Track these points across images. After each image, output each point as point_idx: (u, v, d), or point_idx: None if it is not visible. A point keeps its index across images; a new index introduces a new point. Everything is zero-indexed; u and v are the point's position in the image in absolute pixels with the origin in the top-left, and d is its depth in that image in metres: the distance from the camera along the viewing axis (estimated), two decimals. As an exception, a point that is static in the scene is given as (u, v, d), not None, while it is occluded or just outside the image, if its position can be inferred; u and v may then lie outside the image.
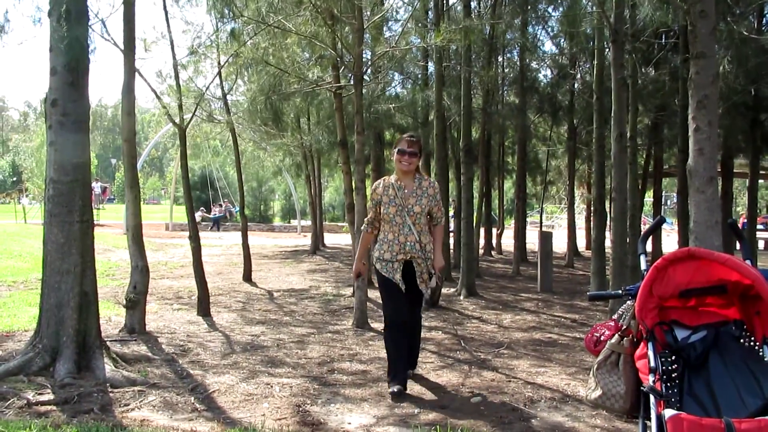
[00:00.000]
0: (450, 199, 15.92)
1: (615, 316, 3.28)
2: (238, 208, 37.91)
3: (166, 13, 9.31)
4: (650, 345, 2.88)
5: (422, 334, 8.52)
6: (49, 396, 5.16)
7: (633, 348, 3.08)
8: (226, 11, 9.40)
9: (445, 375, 6.35)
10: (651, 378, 2.81)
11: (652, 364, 2.83)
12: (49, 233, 5.91)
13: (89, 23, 6.26)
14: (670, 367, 2.82)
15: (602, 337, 3.27)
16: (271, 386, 5.77)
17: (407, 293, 5.74)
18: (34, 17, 6.93)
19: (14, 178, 51.79)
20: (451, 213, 15.97)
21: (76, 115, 5.92)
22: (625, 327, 3.17)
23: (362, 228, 6.08)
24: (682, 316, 2.96)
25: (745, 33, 10.78)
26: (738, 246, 3.29)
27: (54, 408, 4.94)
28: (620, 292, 3.26)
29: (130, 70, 7.87)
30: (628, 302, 3.20)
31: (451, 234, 15.71)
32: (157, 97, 10.17)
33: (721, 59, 10.46)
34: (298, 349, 7.36)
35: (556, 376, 6.37)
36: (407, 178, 5.83)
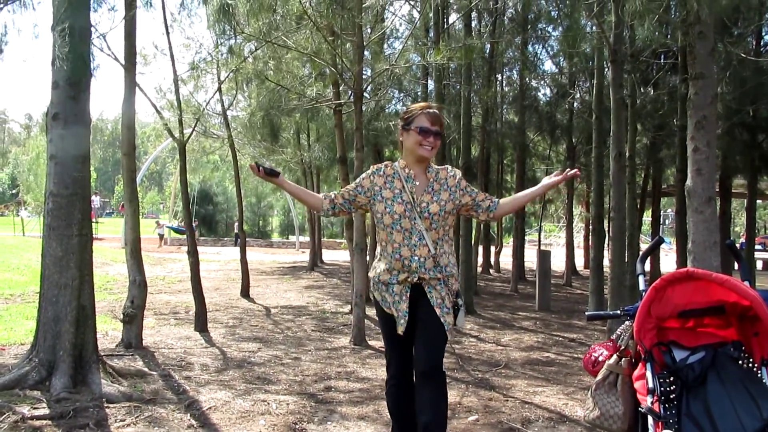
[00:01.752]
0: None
1: (613, 337, 3.28)
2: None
3: (167, 28, 9.35)
4: (648, 366, 2.88)
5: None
6: (44, 410, 5.13)
7: (631, 368, 3.07)
8: (227, 28, 9.42)
9: (443, 393, 6.32)
10: (649, 399, 2.80)
11: (651, 385, 2.82)
12: (48, 246, 5.90)
13: (91, 38, 6.28)
14: (668, 388, 2.81)
15: (600, 358, 3.26)
16: (267, 403, 5.75)
17: (418, 329, 4.02)
18: (34, 33, 6.96)
19: (13, 191, 51.80)
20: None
21: (76, 129, 5.92)
22: (623, 347, 3.16)
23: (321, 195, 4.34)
24: (681, 336, 2.95)
25: (743, 54, 10.83)
26: (736, 266, 3.30)
27: (49, 423, 4.91)
28: (618, 312, 3.26)
29: (131, 85, 7.89)
30: (627, 322, 3.20)
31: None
32: (158, 111, 10.20)
33: (720, 80, 10.50)
34: (294, 366, 7.34)
35: (554, 396, 6.34)
36: (419, 167, 4.19)
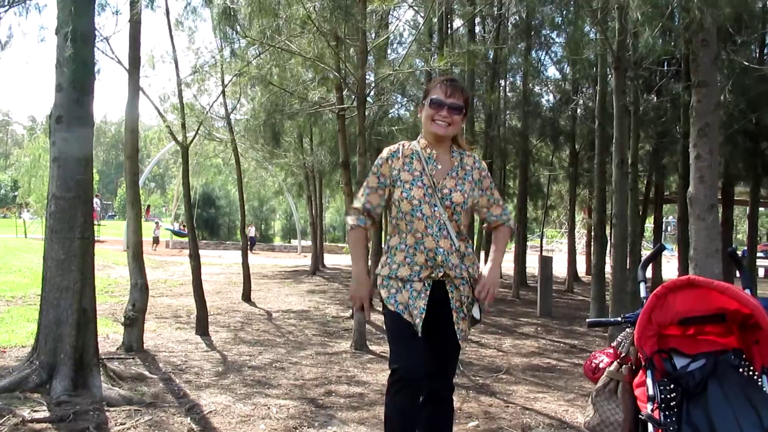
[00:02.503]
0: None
1: (614, 344, 3.28)
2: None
3: (171, 32, 9.38)
4: (649, 373, 2.88)
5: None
6: (44, 413, 5.13)
7: (632, 376, 3.07)
8: (230, 31, 9.45)
9: (443, 399, 6.31)
10: (649, 406, 2.80)
11: (651, 392, 2.82)
12: (50, 249, 5.90)
13: (95, 41, 6.30)
14: (668, 396, 2.81)
15: (601, 364, 3.26)
16: (268, 407, 5.74)
17: (432, 338, 3.56)
18: (39, 36, 6.98)
19: (15, 193, 51.90)
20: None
21: (80, 132, 5.93)
22: (624, 354, 3.16)
23: (350, 221, 3.71)
24: (681, 344, 2.95)
25: (745, 63, 10.83)
26: (738, 274, 3.30)
27: (49, 426, 4.91)
28: (619, 319, 3.25)
29: (134, 89, 7.91)
30: (627, 330, 3.20)
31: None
32: (161, 115, 10.22)
33: (722, 88, 10.51)
34: (295, 371, 7.33)
35: (555, 402, 6.33)
36: (441, 148, 3.65)
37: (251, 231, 40.42)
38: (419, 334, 3.45)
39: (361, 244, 3.68)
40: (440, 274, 3.50)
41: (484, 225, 3.88)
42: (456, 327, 3.54)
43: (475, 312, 3.62)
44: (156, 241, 35.09)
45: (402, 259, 3.53)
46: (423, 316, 3.46)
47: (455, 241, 3.51)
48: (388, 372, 3.52)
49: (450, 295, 3.54)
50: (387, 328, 3.67)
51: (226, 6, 8.70)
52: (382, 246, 3.86)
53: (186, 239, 38.67)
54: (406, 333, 3.47)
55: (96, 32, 6.41)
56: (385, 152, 3.70)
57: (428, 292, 3.50)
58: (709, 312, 2.88)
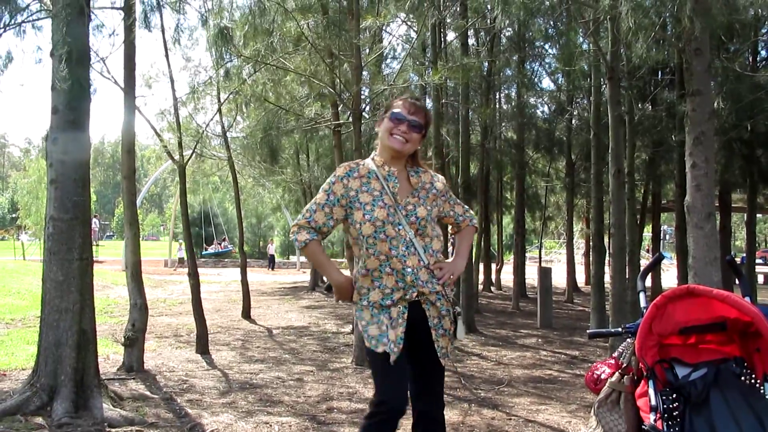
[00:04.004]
0: (449, 241, 15.91)
1: (615, 354, 3.28)
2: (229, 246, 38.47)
3: (167, 52, 9.40)
4: (651, 383, 2.87)
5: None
6: (46, 436, 5.11)
7: (633, 386, 3.07)
8: (225, 51, 9.48)
9: (445, 413, 6.28)
10: (652, 416, 2.79)
11: (653, 402, 2.82)
12: (49, 271, 5.90)
13: (90, 63, 6.32)
14: (671, 405, 2.81)
15: (603, 375, 3.26)
16: (270, 425, 5.73)
17: (415, 360, 3.48)
18: (35, 57, 7.01)
19: (13, 215, 51.89)
20: (449, 249, 15.94)
21: (76, 154, 5.95)
22: (625, 365, 3.16)
23: (300, 238, 3.48)
24: (683, 353, 2.95)
25: (739, 70, 10.88)
26: (737, 282, 3.30)
27: (51, 448, 4.90)
28: (620, 329, 3.25)
29: (131, 109, 7.93)
30: (628, 340, 3.19)
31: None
32: (157, 134, 10.24)
33: (716, 95, 10.55)
34: (296, 387, 7.32)
35: (557, 414, 6.32)
36: (397, 165, 3.58)
37: (270, 249, 40.36)
38: (397, 362, 3.31)
39: (322, 253, 3.56)
40: (414, 294, 3.38)
41: (452, 228, 3.83)
42: (436, 345, 3.44)
43: (459, 332, 3.53)
44: (181, 261, 35.05)
45: (370, 283, 3.41)
46: (401, 346, 3.33)
47: (423, 257, 3.40)
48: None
49: (427, 313, 3.43)
50: (368, 359, 3.59)
51: (222, 27, 8.73)
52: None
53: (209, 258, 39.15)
54: (385, 366, 3.33)
55: (92, 53, 6.44)
56: (340, 169, 3.56)
57: (405, 316, 3.38)
58: (710, 321, 2.88)
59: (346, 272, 3.63)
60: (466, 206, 3.85)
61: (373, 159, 3.60)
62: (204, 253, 38.89)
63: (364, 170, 3.53)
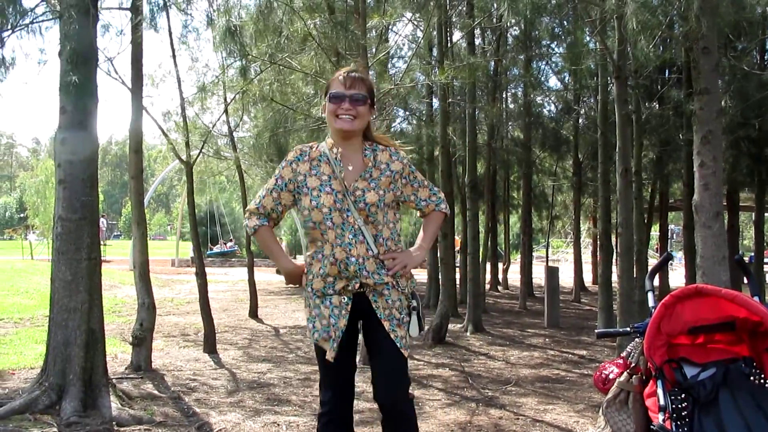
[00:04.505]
0: (455, 235, 15.92)
1: (624, 354, 3.27)
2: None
3: (174, 52, 9.41)
4: (659, 383, 2.87)
5: (428, 372, 8.49)
6: (54, 435, 5.13)
7: (642, 386, 3.06)
8: (233, 49, 9.49)
9: (453, 413, 6.31)
10: (661, 416, 2.79)
11: (662, 402, 2.82)
12: (57, 271, 5.92)
13: (97, 63, 6.34)
14: (679, 406, 2.81)
15: (611, 375, 3.25)
16: (278, 425, 5.74)
17: (372, 351, 3.43)
18: (42, 58, 7.03)
19: (21, 215, 52.05)
20: (456, 248, 15.95)
21: (84, 153, 5.97)
22: (633, 365, 3.16)
23: (250, 223, 3.43)
24: (691, 353, 2.95)
25: (746, 68, 10.85)
26: (746, 281, 3.30)
27: (60, 447, 4.92)
28: (628, 329, 3.25)
29: (138, 109, 7.95)
30: (637, 339, 3.19)
31: (457, 269, 15.65)
32: (164, 134, 10.25)
33: (724, 94, 10.52)
34: (304, 387, 7.32)
35: (564, 414, 6.32)
36: (350, 146, 3.38)
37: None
38: (338, 361, 3.27)
39: (271, 239, 3.48)
40: (357, 285, 3.24)
41: (419, 213, 3.59)
42: (393, 336, 3.24)
43: (413, 329, 3.34)
44: (193, 261, 35.10)
45: (317, 270, 3.27)
46: (340, 339, 3.24)
47: (372, 246, 3.23)
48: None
49: (374, 305, 3.26)
50: (315, 350, 3.43)
51: (229, 26, 8.74)
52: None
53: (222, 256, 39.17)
54: (327, 362, 3.29)
55: (99, 53, 6.46)
56: (291, 153, 3.44)
57: (349, 307, 3.25)
58: (719, 320, 2.88)
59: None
60: (435, 188, 3.54)
61: (326, 141, 3.44)
62: (209, 252, 38.98)
63: (315, 153, 3.39)
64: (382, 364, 3.32)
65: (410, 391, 3.38)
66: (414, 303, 3.37)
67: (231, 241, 42.88)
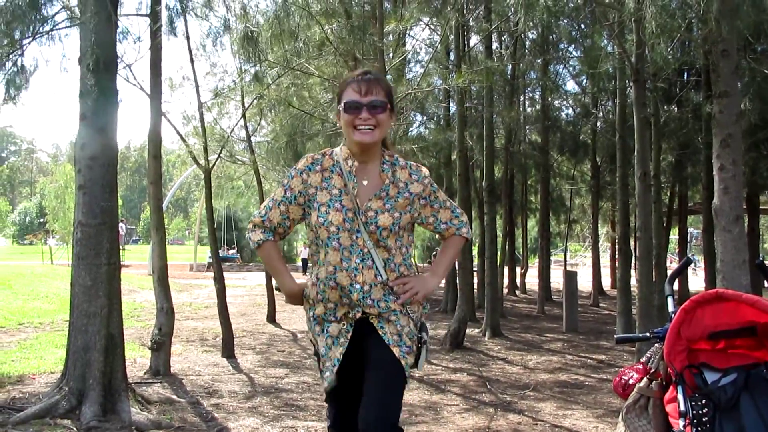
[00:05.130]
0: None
1: (643, 359, 3.25)
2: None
3: (192, 58, 9.47)
4: (680, 388, 2.84)
5: (446, 377, 8.48)
6: (75, 439, 5.16)
7: (662, 391, 3.04)
8: (251, 55, 9.53)
9: (471, 418, 6.29)
10: (681, 422, 2.77)
11: (682, 408, 2.79)
12: (77, 276, 5.96)
13: (117, 70, 6.39)
14: (700, 411, 2.78)
15: (630, 381, 3.23)
16: (296, 430, 5.74)
17: (367, 376, 2.93)
18: (62, 65, 7.10)
19: (41, 220, 52.52)
20: (474, 252, 15.91)
21: (104, 159, 6.01)
22: (653, 370, 3.13)
23: (254, 237, 3.07)
24: (712, 358, 2.92)
25: (766, 71, 10.76)
26: (766, 285, 3.27)
27: (80, 451, 4.94)
28: (648, 334, 3.23)
29: (157, 114, 7.99)
30: (656, 345, 3.17)
31: (475, 273, 15.61)
32: (183, 139, 10.30)
33: (743, 97, 10.43)
34: (322, 392, 7.31)
35: (584, 419, 6.28)
36: (368, 158, 3.00)
37: (303, 253, 40.38)
38: (336, 388, 2.94)
39: (275, 256, 3.13)
40: (358, 314, 2.91)
41: (438, 235, 3.24)
42: (404, 363, 2.90)
43: (421, 363, 2.99)
44: (210, 266, 35.22)
45: (315, 294, 2.97)
46: (335, 368, 2.90)
47: (381, 272, 2.89)
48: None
49: (380, 332, 2.91)
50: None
51: (247, 31, 8.79)
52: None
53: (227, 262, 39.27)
54: (327, 391, 3.01)
55: (118, 60, 6.50)
56: (302, 162, 3.05)
57: (349, 335, 2.93)
58: (739, 325, 2.85)
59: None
60: (458, 210, 3.18)
61: (341, 149, 3.04)
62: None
63: (328, 162, 3.00)
64: (377, 383, 2.91)
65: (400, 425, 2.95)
66: (425, 336, 3.02)
67: (233, 248, 43.03)
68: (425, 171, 3.07)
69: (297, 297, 3.10)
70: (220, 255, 39.04)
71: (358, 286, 2.87)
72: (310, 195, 2.96)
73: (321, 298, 2.94)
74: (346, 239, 2.88)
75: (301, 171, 2.99)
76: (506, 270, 20.95)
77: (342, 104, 2.95)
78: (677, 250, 25.55)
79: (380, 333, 2.90)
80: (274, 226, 3.04)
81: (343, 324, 2.94)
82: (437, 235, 3.24)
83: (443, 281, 16.94)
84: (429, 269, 3.24)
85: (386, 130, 2.99)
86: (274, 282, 14.14)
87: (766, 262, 3.10)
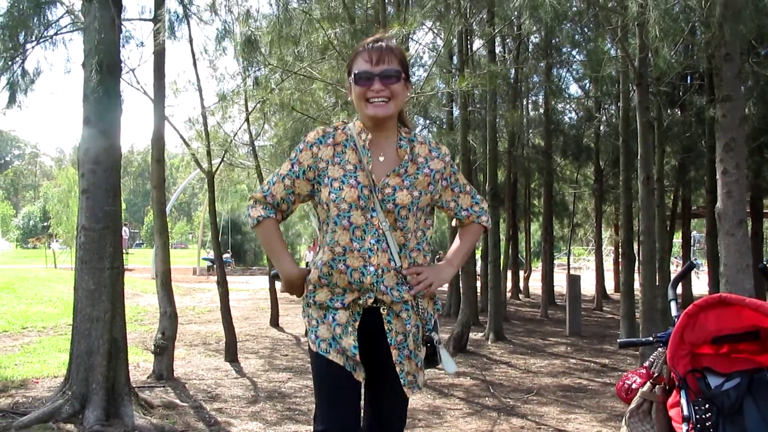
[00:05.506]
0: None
1: (646, 364, 3.25)
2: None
3: (195, 62, 9.48)
4: (683, 393, 2.84)
5: (449, 381, 8.47)
6: (78, 443, 5.17)
7: (665, 396, 3.04)
8: (252, 59, 9.54)
9: (474, 422, 6.28)
10: (684, 427, 2.76)
11: (686, 412, 2.79)
12: (80, 280, 5.97)
13: (120, 74, 6.41)
14: (704, 416, 2.77)
15: (634, 385, 3.23)
16: (299, 433, 5.74)
17: (368, 383, 2.76)
18: (65, 68, 7.11)
19: (44, 224, 52.62)
20: (477, 255, 15.90)
21: (107, 163, 6.02)
22: (657, 374, 3.13)
23: (253, 213, 2.79)
24: (715, 363, 2.92)
25: (769, 74, 10.75)
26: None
27: (83, 455, 4.95)
28: (651, 339, 3.22)
29: (160, 118, 8.01)
30: (660, 349, 3.16)
31: (478, 277, 15.60)
32: (186, 144, 10.33)
33: (746, 100, 10.42)
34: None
35: (587, 423, 6.27)
36: (382, 133, 2.77)
37: (308, 256, 40.29)
38: (356, 380, 2.67)
39: (275, 234, 2.81)
40: (370, 300, 2.66)
41: (454, 222, 3.04)
42: (399, 370, 2.69)
43: (449, 366, 2.79)
44: (210, 269, 35.25)
45: (317, 279, 2.71)
46: (357, 357, 2.64)
47: (395, 257, 2.65)
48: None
49: (387, 327, 2.68)
50: (312, 373, 2.79)
51: (249, 35, 8.80)
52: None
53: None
54: (335, 383, 2.66)
55: (122, 64, 6.52)
56: (311, 134, 2.79)
57: (357, 324, 2.66)
58: (743, 330, 2.85)
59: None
60: (478, 196, 2.97)
61: (355, 123, 2.82)
62: (205, 257, 39.01)
63: (340, 136, 2.76)
64: (376, 402, 2.80)
65: None
66: (435, 336, 2.80)
67: (228, 253, 43.06)
68: (446, 149, 2.86)
69: (296, 284, 2.81)
70: (211, 258, 39.01)
71: (372, 269, 2.63)
72: (321, 169, 2.70)
73: (327, 282, 2.68)
74: (359, 218, 2.63)
75: (311, 144, 2.74)
76: (509, 274, 20.91)
77: (352, 76, 2.72)
78: (681, 254, 25.53)
79: (386, 328, 2.68)
80: (277, 202, 2.77)
81: (350, 312, 2.66)
82: (454, 222, 3.03)
83: (447, 285, 16.94)
84: (443, 259, 2.97)
85: (402, 102, 2.76)
86: (277, 285, 14.16)
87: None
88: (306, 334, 2.81)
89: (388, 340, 2.68)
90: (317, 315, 2.71)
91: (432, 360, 2.79)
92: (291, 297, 21.17)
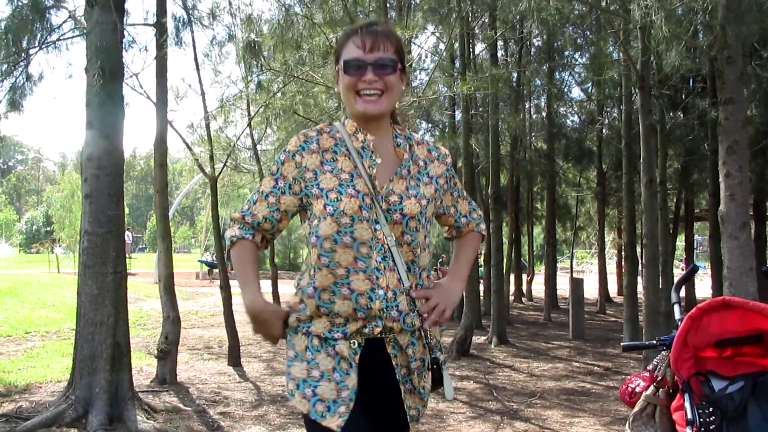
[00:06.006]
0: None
1: (650, 367, 3.24)
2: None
3: (198, 67, 9.49)
4: (687, 396, 2.84)
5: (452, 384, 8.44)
6: (81, 448, 5.17)
7: (669, 399, 3.03)
8: (254, 64, 9.56)
9: (477, 426, 6.27)
10: (688, 430, 2.76)
11: (690, 416, 2.78)
12: (83, 284, 5.98)
13: (123, 78, 6.42)
14: (707, 419, 2.77)
15: (637, 389, 3.22)
16: (302, 437, 5.73)
17: (368, 414, 2.30)
18: (67, 73, 7.14)
19: (47, 228, 52.63)
20: (480, 259, 15.89)
21: (110, 168, 6.03)
22: (660, 378, 3.12)
23: (229, 233, 2.43)
24: (719, 366, 2.91)
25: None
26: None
27: (86, 460, 4.95)
28: (654, 342, 3.22)
29: (163, 123, 8.02)
30: (663, 352, 3.16)
31: (481, 281, 15.57)
32: (189, 148, 10.34)
33: (749, 103, 10.42)
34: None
35: (590, 427, 6.26)
36: (378, 131, 2.37)
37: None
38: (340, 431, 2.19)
39: (247, 258, 2.41)
40: (377, 329, 2.25)
41: (447, 231, 2.65)
42: (404, 405, 2.36)
43: (447, 391, 2.42)
44: (210, 272, 35.26)
45: (315, 309, 2.26)
46: (351, 404, 2.20)
47: (404, 277, 2.26)
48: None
49: (393, 361, 2.31)
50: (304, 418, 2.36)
51: (250, 41, 8.81)
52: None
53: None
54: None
55: (124, 69, 6.53)
56: (292, 142, 2.38)
57: (357, 359, 2.25)
58: (746, 333, 2.85)
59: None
60: (474, 203, 2.63)
61: (344, 123, 2.41)
62: (200, 260, 38.98)
63: (327, 141, 2.35)
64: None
65: None
66: (441, 357, 2.42)
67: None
68: (445, 150, 2.51)
69: (260, 319, 2.42)
70: (206, 260, 39.08)
71: (381, 292, 2.22)
72: (308, 180, 2.30)
73: (327, 311, 2.25)
74: (362, 232, 2.21)
75: (293, 153, 2.34)
76: (512, 277, 20.90)
77: (341, 63, 2.31)
78: (684, 257, 25.51)
79: (393, 363, 2.31)
80: (258, 222, 2.36)
81: (351, 342, 2.25)
82: (445, 231, 2.66)
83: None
84: (447, 274, 2.59)
85: (397, 96, 2.37)
86: (279, 289, 14.18)
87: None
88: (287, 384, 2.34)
89: (399, 375, 2.34)
90: (303, 347, 2.30)
91: (435, 384, 2.45)
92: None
